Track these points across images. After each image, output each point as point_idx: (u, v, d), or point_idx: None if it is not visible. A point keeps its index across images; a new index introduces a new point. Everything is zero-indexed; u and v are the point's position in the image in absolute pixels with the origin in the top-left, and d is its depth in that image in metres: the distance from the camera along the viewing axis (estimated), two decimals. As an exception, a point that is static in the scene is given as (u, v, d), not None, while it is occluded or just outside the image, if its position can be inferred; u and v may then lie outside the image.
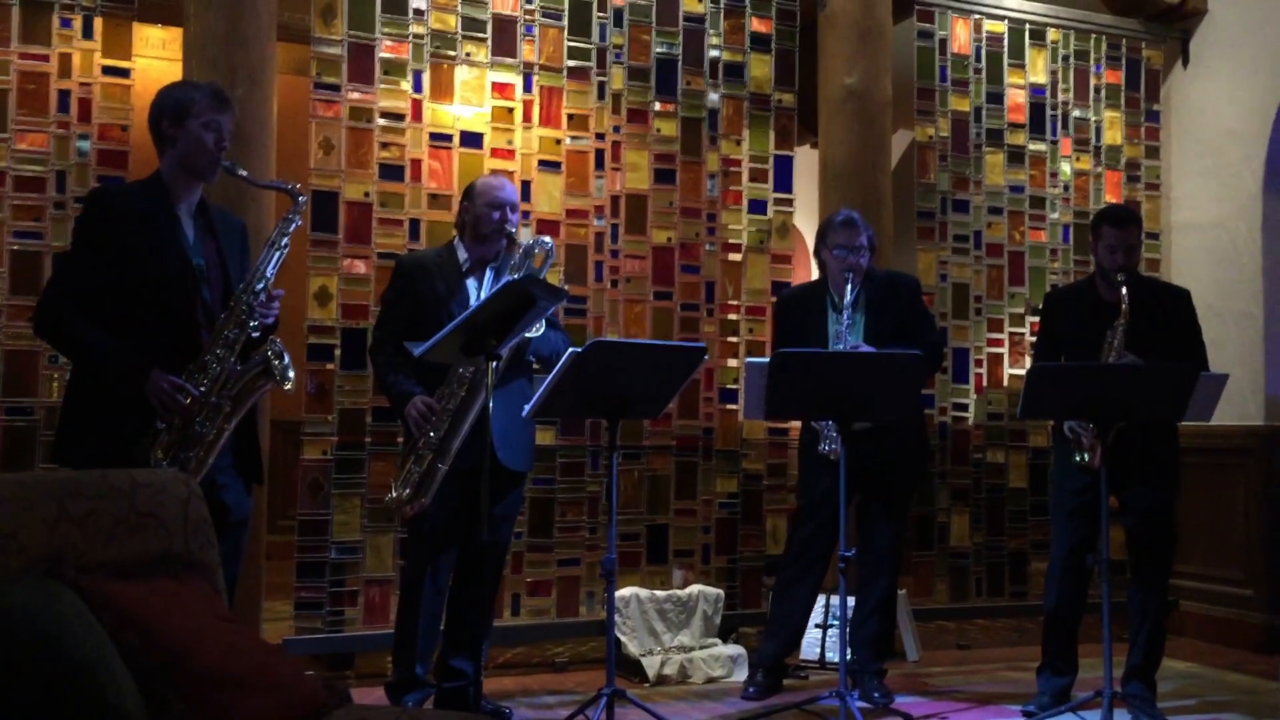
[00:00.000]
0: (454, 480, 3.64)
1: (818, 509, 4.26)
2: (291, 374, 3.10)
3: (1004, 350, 5.60)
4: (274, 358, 3.06)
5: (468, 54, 4.68)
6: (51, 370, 4.05)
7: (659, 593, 4.73)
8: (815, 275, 4.70)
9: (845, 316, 4.14)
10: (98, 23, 4.22)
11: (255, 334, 3.11)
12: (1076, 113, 5.85)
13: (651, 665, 4.49)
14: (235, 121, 3.27)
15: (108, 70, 4.23)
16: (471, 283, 3.81)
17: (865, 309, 4.23)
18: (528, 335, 3.67)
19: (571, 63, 4.84)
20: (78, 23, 4.20)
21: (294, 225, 3.23)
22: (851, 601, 4.17)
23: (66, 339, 3.10)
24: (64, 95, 4.18)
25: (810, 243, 4.53)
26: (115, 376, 3.00)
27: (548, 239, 3.84)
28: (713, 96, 5.11)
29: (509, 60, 4.74)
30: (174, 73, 4.34)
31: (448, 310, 3.67)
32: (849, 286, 4.15)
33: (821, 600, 4.78)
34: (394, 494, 3.65)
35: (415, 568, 3.76)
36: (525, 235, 4.65)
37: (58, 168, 4.15)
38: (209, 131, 3.14)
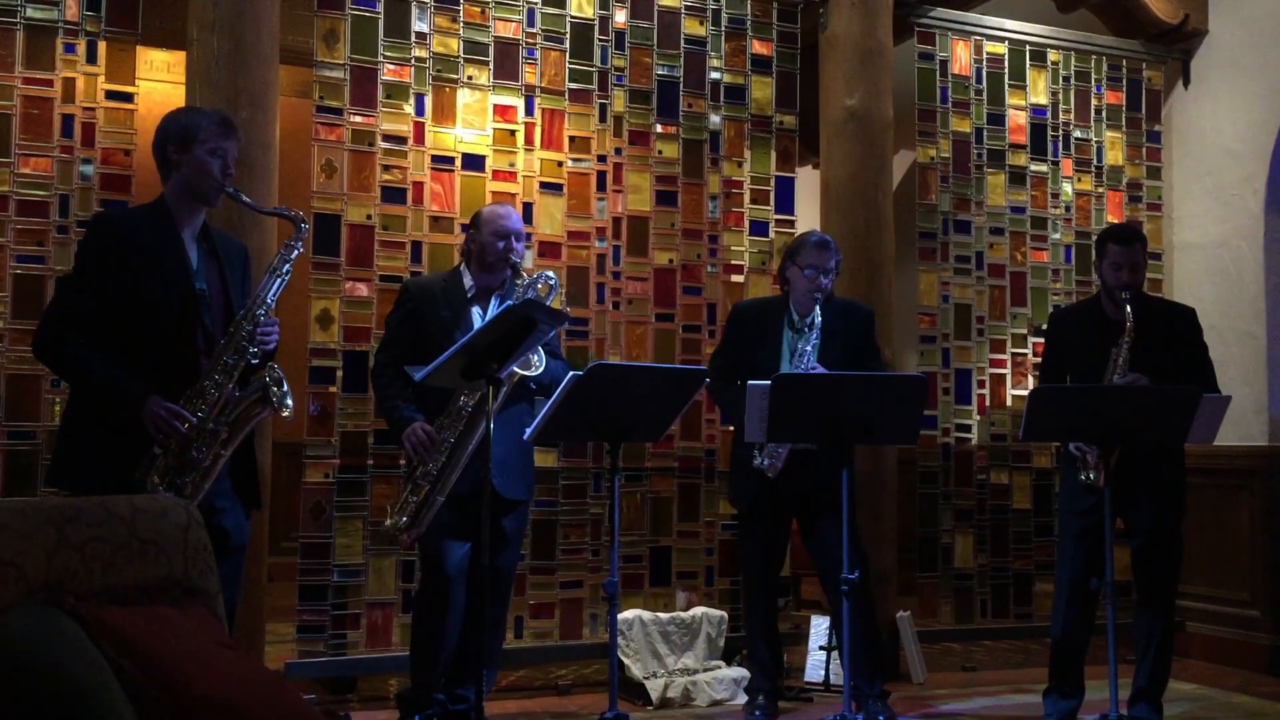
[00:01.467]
0: (458, 503, 3.66)
1: (767, 540, 4.29)
2: (290, 401, 3.10)
3: (1006, 371, 5.60)
4: (273, 384, 3.06)
5: (469, 77, 4.70)
6: (54, 394, 4.05)
7: (662, 615, 4.71)
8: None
9: (813, 335, 4.15)
10: (101, 47, 4.24)
11: (254, 360, 3.11)
12: (1078, 133, 5.86)
13: (655, 688, 4.47)
14: (240, 148, 3.29)
15: (111, 95, 4.25)
16: (476, 310, 3.83)
17: (820, 331, 4.21)
18: (525, 373, 3.67)
19: (573, 85, 4.86)
20: (81, 47, 4.22)
21: (296, 252, 3.24)
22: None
23: (65, 362, 3.10)
24: (68, 120, 4.19)
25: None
26: (113, 401, 3.01)
27: (551, 274, 3.86)
28: (714, 118, 5.12)
29: (511, 83, 4.75)
30: (178, 96, 4.35)
31: (451, 336, 3.68)
32: (817, 308, 4.16)
33: (824, 623, 4.77)
34: (390, 520, 3.69)
35: (433, 584, 3.77)
36: (529, 261, 4.68)
37: (61, 192, 4.16)
38: (215, 158, 3.16)
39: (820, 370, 4.05)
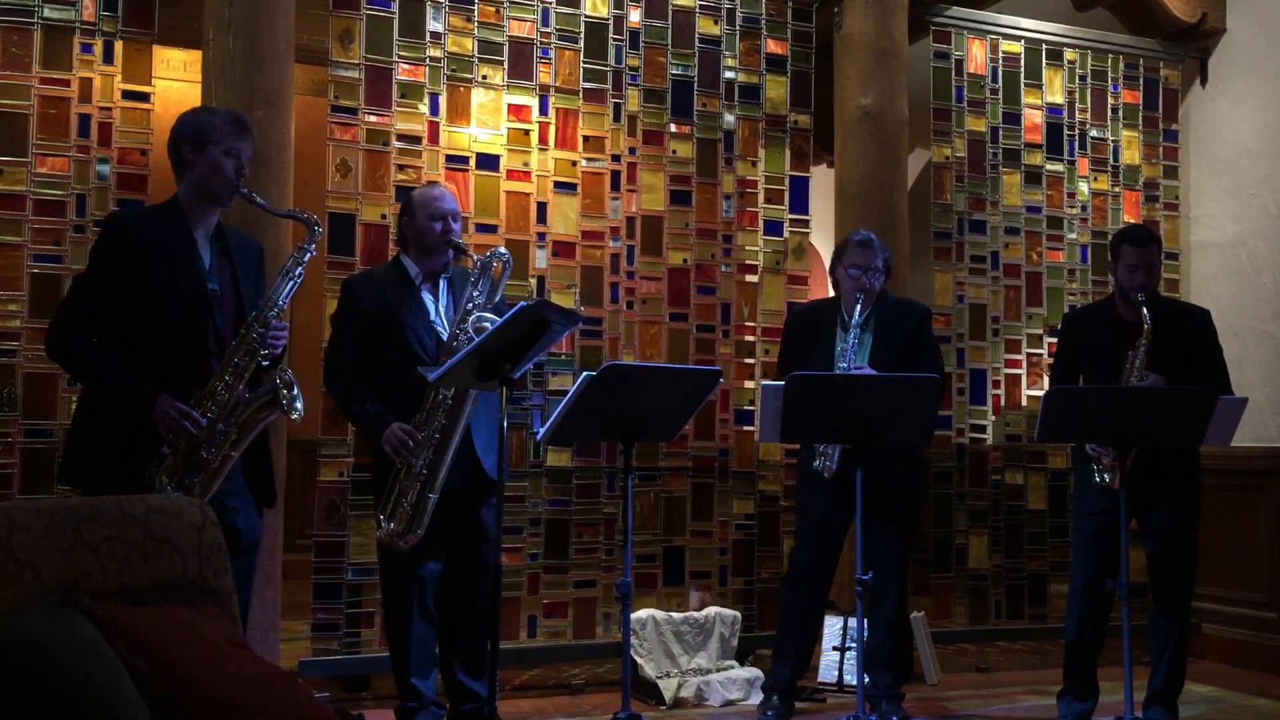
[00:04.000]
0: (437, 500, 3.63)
1: (816, 530, 4.24)
2: (300, 404, 3.11)
3: (1022, 371, 5.58)
4: (283, 387, 3.07)
5: (484, 77, 4.71)
6: (70, 393, 4.06)
7: (675, 614, 4.71)
8: (830, 294, 4.68)
9: (852, 335, 4.14)
10: (118, 47, 4.25)
11: (265, 363, 3.12)
12: (1094, 133, 5.83)
13: (668, 688, 4.47)
14: (254, 148, 3.30)
15: (128, 95, 4.26)
16: (426, 295, 3.74)
17: (874, 331, 4.21)
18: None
19: (587, 85, 4.86)
20: (98, 47, 4.23)
21: (309, 255, 3.25)
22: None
23: (76, 361, 3.12)
24: (84, 119, 4.21)
25: (827, 263, 4.53)
26: (123, 401, 3.02)
27: (504, 250, 3.76)
28: (729, 118, 5.12)
29: (525, 83, 4.76)
30: (194, 95, 4.37)
31: (405, 324, 3.65)
32: (859, 306, 4.15)
33: (839, 623, 4.77)
34: (384, 528, 3.59)
35: (397, 591, 3.71)
36: (543, 261, 4.68)
37: (78, 191, 4.17)
38: (229, 159, 3.17)
39: (867, 371, 4.03)
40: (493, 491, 3.71)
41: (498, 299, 3.70)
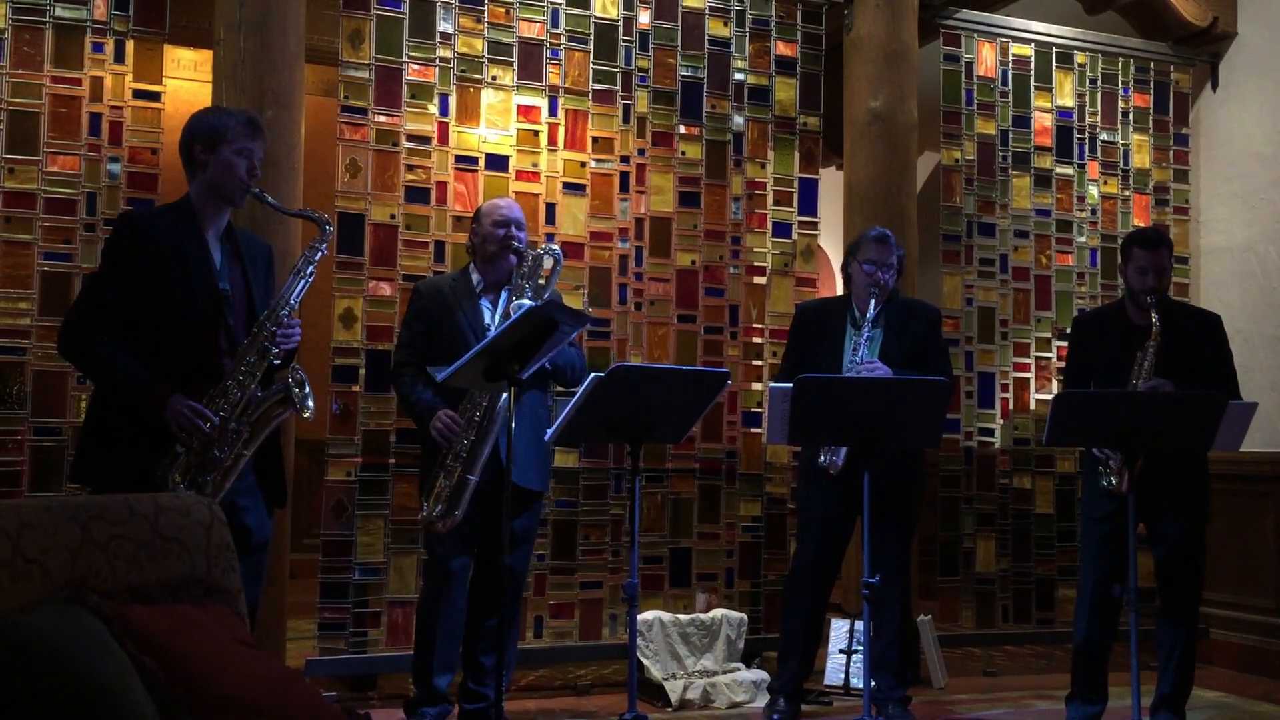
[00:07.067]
0: (471, 497, 3.68)
1: (820, 528, 4.23)
2: (311, 403, 3.12)
3: (1030, 375, 5.57)
4: (294, 385, 3.08)
5: (494, 78, 4.71)
6: (80, 391, 4.08)
7: (682, 616, 4.71)
8: (839, 293, 4.67)
9: (865, 331, 4.13)
10: (129, 46, 4.27)
11: (276, 361, 3.13)
12: (1104, 136, 5.82)
13: (674, 689, 4.47)
14: (265, 148, 3.31)
15: (139, 94, 4.27)
16: (485, 305, 3.85)
17: (884, 329, 4.20)
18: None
19: (597, 86, 4.86)
20: (109, 47, 4.25)
21: (320, 254, 3.26)
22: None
23: (89, 360, 3.12)
24: (95, 118, 4.21)
25: (835, 265, 4.52)
26: (136, 399, 3.03)
27: (556, 247, 3.89)
28: (738, 120, 5.11)
29: (535, 84, 4.76)
30: (204, 95, 4.38)
31: (460, 332, 3.74)
32: (872, 303, 4.14)
33: (845, 626, 4.76)
34: (425, 512, 3.71)
35: (431, 585, 3.81)
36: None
37: (88, 190, 4.18)
38: (241, 159, 3.18)
39: (881, 367, 4.03)
40: (522, 502, 3.79)
41: (546, 296, 3.77)
